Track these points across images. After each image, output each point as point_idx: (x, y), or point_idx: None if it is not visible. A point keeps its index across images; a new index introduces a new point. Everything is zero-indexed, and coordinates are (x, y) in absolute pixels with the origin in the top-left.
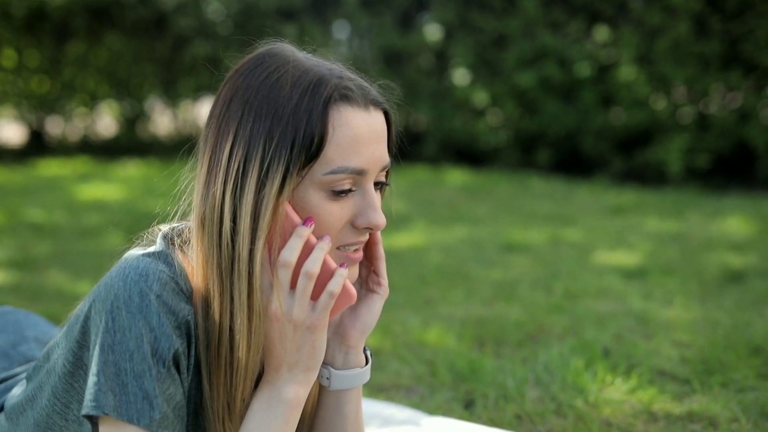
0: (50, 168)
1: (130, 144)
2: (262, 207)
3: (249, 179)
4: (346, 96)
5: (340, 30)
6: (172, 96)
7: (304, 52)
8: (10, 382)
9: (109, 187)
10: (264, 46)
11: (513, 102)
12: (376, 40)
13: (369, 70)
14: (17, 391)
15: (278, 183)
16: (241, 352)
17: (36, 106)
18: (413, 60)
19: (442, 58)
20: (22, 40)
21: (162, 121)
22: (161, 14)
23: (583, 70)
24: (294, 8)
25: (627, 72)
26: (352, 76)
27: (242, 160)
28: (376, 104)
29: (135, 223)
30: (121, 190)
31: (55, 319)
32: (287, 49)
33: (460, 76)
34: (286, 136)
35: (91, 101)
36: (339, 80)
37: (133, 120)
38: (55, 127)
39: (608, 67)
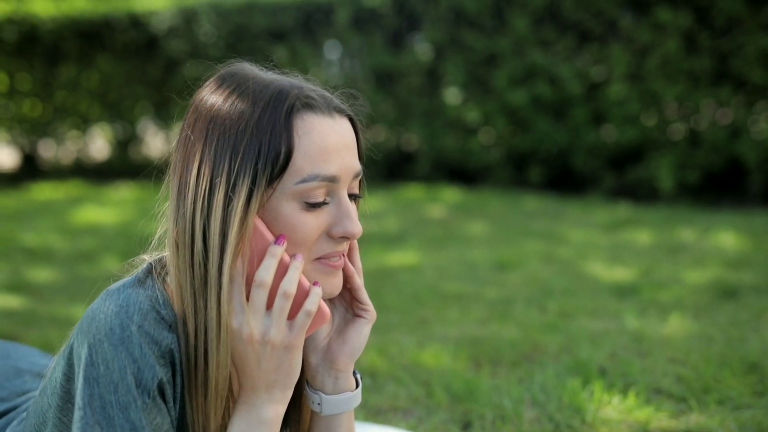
0: (43, 192)
1: (123, 167)
2: (229, 221)
3: (216, 196)
4: (308, 104)
5: (331, 50)
6: (165, 118)
7: (264, 69)
8: (11, 415)
9: (102, 210)
10: (223, 68)
11: (504, 120)
12: (367, 60)
13: (360, 90)
14: (18, 427)
15: (245, 196)
16: (212, 369)
17: (28, 129)
18: (404, 79)
19: (433, 77)
20: (14, 64)
21: (154, 144)
22: (152, 37)
23: (574, 87)
24: (285, 29)
25: (617, 89)
26: (314, 86)
27: (209, 178)
28: (339, 111)
29: (129, 246)
30: (115, 213)
31: (50, 345)
32: (246, 67)
33: (452, 94)
34: (251, 149)
35: (83, 124)
36: (300, 90)
37: (125, 143)
38: (47, 150)
39: (598, 85)
